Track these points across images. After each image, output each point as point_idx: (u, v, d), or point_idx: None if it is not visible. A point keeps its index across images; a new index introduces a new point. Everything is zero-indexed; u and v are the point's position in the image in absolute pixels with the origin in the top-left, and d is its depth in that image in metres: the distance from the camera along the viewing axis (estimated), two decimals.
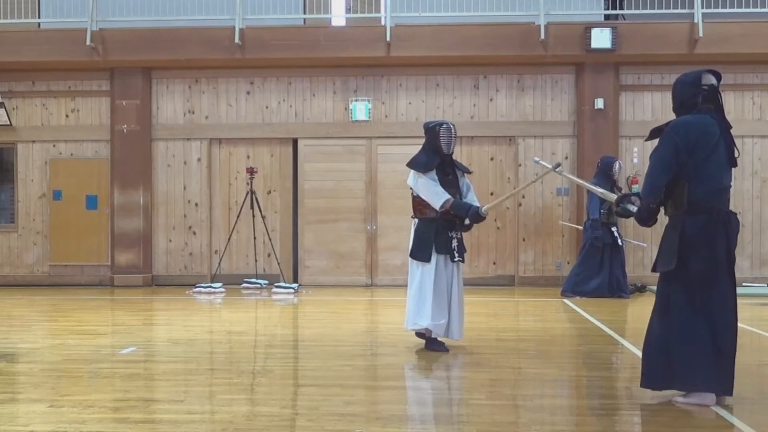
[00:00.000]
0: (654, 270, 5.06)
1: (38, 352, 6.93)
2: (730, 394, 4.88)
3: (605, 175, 11.12)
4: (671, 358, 4.85)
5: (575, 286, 11.31)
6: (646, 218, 5.11)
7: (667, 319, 4.88)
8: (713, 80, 4.96)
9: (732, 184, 5.05)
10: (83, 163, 13.48)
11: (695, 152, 4.79)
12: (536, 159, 6.98)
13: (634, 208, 5.27)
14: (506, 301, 11.43)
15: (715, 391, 4.81)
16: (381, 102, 13.25)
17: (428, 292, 6.74)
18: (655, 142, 5.05)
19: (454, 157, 7.09)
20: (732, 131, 5.03)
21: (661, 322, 4.92)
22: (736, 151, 4.98)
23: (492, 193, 12.90)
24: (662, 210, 5.10)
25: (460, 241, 6.91)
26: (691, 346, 4.79)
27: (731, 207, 5.12)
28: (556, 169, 6.38)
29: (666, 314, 4.89)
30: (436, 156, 6.86)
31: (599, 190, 6.19)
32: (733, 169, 5.01)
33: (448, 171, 6.93)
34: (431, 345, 6.88)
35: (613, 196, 5.83)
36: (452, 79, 13.19)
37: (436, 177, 6.81)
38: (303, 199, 13.35)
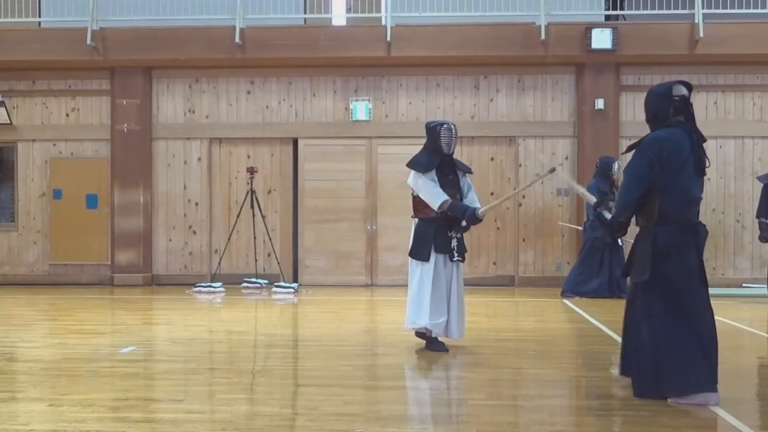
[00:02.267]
0: (625, 276, 5.24)
1: (38, 351, 6.93)
2: (715, 391, 4.94)
3: (604, 175, 11.12)
4: (662, 366, 4.95)
5: (575, 287, 11.32)
6: (617, 230, 5.36)
7: (653, 328, 4.98)
8: (684, 91, 5.08)
9: (702, 195, 5.23)
10: (83, 162, 13.48)
11: (667, 167, 4.94)
12: (553, 168, 6.89)
13: (608, 216, 5.43)
14: (506, 301, 11.43)
15: (708, 390, 4.88)
16: (381, 102, 13.25)
17: (427, 291, 6.74)
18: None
19: (454, 157, 7.09)
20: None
21: (649, 331, 5.01)
22: (707, 162, 5.13)
23: (492, 193, 12.89)
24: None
25: (461, 240, 6.90)
26: (680, 352, 4.89)
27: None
28: (552, 173, 6.49)
29: (651, 323, 4.99)
30: (436, 156, 6.86)
31: (580, 190, 6.33)
32: (704, 181, 5.20)
33: (448, 171, 6.93)
34: (431, 345, 6.88)
35: (592, 199, 6.05)
36: (452, 79, 13.18)
37: (435, 177, 6.81)
38: (303, 199, 13.35)
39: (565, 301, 10.91)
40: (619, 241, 11.16)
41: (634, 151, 5.17)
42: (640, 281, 5.02)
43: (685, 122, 5.05)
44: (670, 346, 4.90)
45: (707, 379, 4.90)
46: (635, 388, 5.10)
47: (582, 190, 6.36)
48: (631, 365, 5.17)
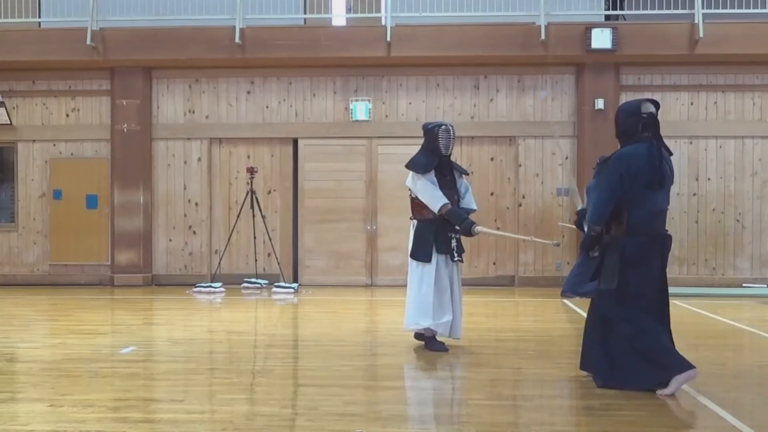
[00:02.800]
0: (597, 288, 5.54)
1: (38, 352, 6.93)
2: (694, 366, 5.21)
3: None
4: (624, 363, 5.30)
5: (575, 287, 11.30)
6: (589, 246, 5.69)
7: (606, 332, 5.37)
8: (652, 109, 5.40)
9: (668, 206, 5.53)
10: (83, 162, 13.48)
11: (636, 181, 5.25)
12: (557, 243, 7.14)
13: (585, 227, 5.93)
14: (506, 301, 11.43)
15: (687, 368, 5.15)
16: (381, 102, 13.25)
17: (430, 292, 6.75)
18: None
19: (454, 156, 7.10)
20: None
21: (601, 336, 5.39)
22: (672, 176, 5.44)
23: (492, 193, 12.91)
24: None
25: (459, 241, 6.92)
26: (656, 342, 5.23)
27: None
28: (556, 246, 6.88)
29: (603, 327, 5.39)
30: (434, 157, 6.87)
31: (576, 196, 6.51)
32: (670, 192, 5.49)
33: (446, 172, 6.95)
34: (431, 345, 6.89)
35: (579, 205, 6.31)
36: (452, 79, 13.18)
37: (435, 179, 6.82)
38: (303, 199, 13.35)
39: (565, 300, 10.91)
40: None
41: (603, 167, 5.62)
42: (607, 289, 5.36)
43: (652, 137, 5.35)
44: (648, 338, 5.22)
45: (680, 362, 5.17)
46: (596, 379, 5.45)
47: (576, 196, 6.58)
48: (589, 362, 5.53)
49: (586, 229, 5.87)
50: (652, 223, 5.34)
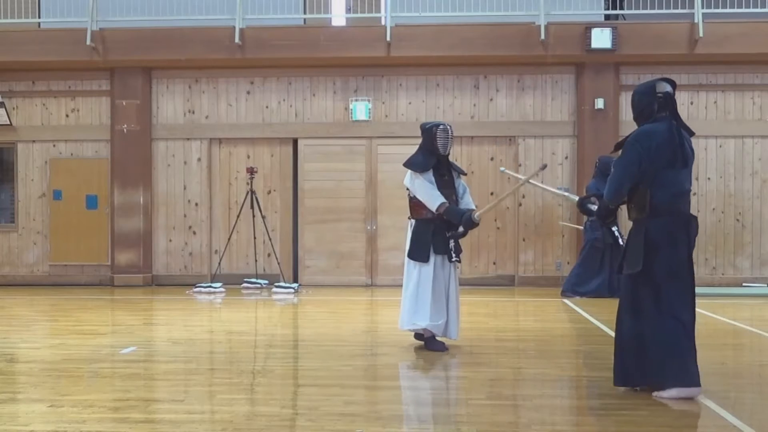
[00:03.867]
0: (620, 272, 5.32)
1: (38, 352, 6.93)
2: (699, 385, 5.05)
3: (603, 175, 11.09)
4: (644, 357, 5.09)
5: (575, 286, 11.32)
6: (605, 216, 5.51)
7: (637, 319, 5.12)
8: (668, 88, 5.23)
9: (691, 187, 5.34)
10: (83, 162, 13.48)
11: (656, 159, 5.06)
12: (502, 169, 7.14)
13: (594, 207, 5.76)
14: (506, 301, 11.43)
15: (687, 384, 5.01)
16: (381, 102, 13.25)
17: (427, 292, 6.75)
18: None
19: (454, 156, 7.10)
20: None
21: (631, 323, 5.15)
22: (693, 156, 5.23)
23: (492, 193, 12.89)
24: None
25: (457, 241, 6.92)
26: (662, 344, 5.02)
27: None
28: (543, 169, 6.66)
29: (636, 314, 5.14)
30: (432, 156, 6.87)
31: (562, 193, 6.53)
32: (692, 172, 5.31)
33: (444, 172, 6.95)
34: (431, 345, 6.89)
35: (575, 198, 6.25)
36: (452, 79, 13.18)
37: (433, 178, 6.82)
38: (303, 199, 13.35)
39: (565, 300, 10.91)
40: (621, 240, 11.14)
41: (621, 149, 5.33)
42: (632, 273, 5.12)
43: (670, 117, 5.17)
44: (654, 337, 5.03)
45: (690, 375, 5.01)
46: (615, 376, 5.24)
47: (562, 192, 6.63)
48: (615, 356, 5.29)
49: (593, 209, 5.87)
50: (676, 204, 5.12)
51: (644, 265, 5.03)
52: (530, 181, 6.96)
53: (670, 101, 5.20)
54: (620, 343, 5.24)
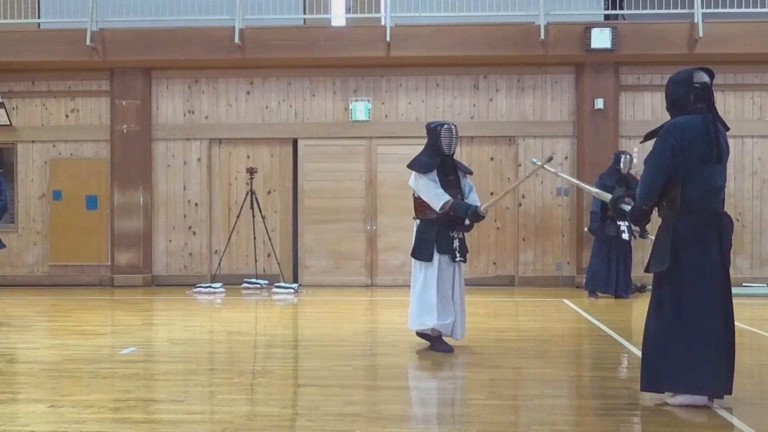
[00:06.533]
0: (647, 270, 5.06)
1: (38, 353, 6.93)
2: (722, 396, 4.86)
3: (612, 169, 11.11)
4: (667, 360, 4.86)
5: (593, 282, 11.19)
6: (639, 217, 5.16)
7: (660, 320, 4.91)
8: (705, 78, 4.95)
9: (726, 183, 5.08)
10: (83, 163, 13.48)
11: (689, 153, 4.80)
12: (534, 160, 6.97)
13: (627, 207, 5.37)
14: (506, 301, 11.43)
15: (700, 393, 4.82)
16: (381, 102, 13.25)
17: (432, 292, 6.74)
18: (651, 144, 5.07)
19: (454, 157, 7.08)
20: (731, 131, 5.02)
21: (656, 324, 4.95)
22: (728, 151, 4.98)
23: (492, 193, 12.87)
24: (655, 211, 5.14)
25: (462, 241, 6.91)
26: (678, 349, 4.80)
27: (732, 207, 5.18)
28: (545, 165, 6.51)
29: (659, 315, 4.92)
30: (437, 156, 6.86)
31: (594, 190, 6.24)
32: (727, 168, 5.04)
33: (449, 172, 6.93)
34: (437, 345, 6.87)
35: (607, 196, 5.87)
36: (452, 79, 13.18)
37: (436, 178, 6.81)
38: (303, 199, 13.35)
39: (565, 300, 10.90)
40: (625, 235, 11.05)
41: (653, 139, 5.04)
42: (658, 272, 4.91)
43: (706, 109, 4.91)
44: (672, 341, 4.83)
45: (706, 383, 4.80)
46: (642, 381, 5.00)
47: (595, 189, 6.29)
48: (642, 359, 5.06)
49: (627, 209, 5.44)
50: (708, 201, 4.84)
51: (670, 264, 4.81)
52: (562, 175, 6.89)
53: (707, 92, 4.92)
54: (644, 346, 5.02)
